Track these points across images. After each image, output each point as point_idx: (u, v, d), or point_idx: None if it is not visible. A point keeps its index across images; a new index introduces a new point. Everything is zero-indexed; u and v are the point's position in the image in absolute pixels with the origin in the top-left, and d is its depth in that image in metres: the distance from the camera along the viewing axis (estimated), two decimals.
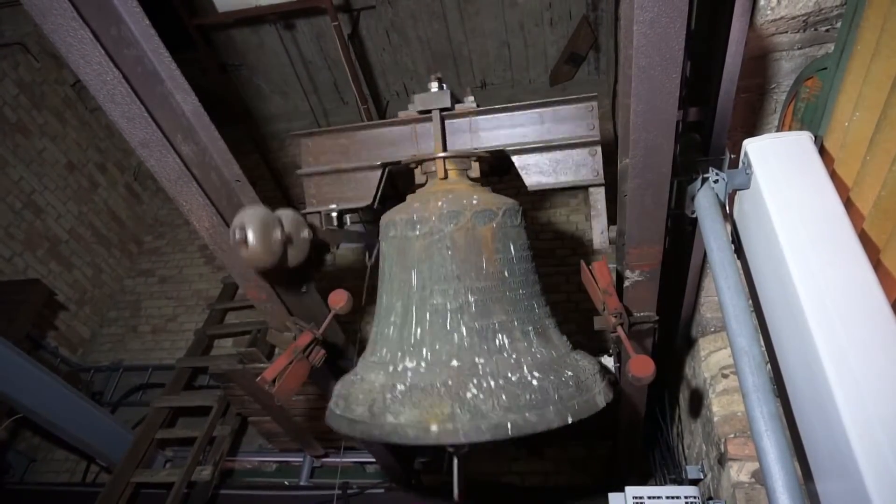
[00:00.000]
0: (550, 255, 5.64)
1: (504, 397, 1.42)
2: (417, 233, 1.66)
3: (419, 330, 1.60)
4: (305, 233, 1.79)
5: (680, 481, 2.75)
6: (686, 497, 2.30)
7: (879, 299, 1.38)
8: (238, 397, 4.26)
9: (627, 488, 2.37)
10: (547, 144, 1.86)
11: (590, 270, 1.79)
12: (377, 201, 2.03)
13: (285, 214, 1.71)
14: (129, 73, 1.37)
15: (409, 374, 1.54)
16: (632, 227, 1.65)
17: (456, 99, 1.95)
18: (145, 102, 1.41)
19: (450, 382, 1.46)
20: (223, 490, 4.55)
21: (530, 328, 1.64)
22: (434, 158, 1.82)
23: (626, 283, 1.85)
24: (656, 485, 3.41)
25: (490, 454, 4.56)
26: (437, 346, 1.56)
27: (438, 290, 1.61)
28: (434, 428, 1.39)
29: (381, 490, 4.26)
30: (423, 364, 1.55)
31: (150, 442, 4.67)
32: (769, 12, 1.91)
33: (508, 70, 7.21)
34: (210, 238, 1.71)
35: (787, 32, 1.99)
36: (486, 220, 1.66)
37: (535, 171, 1.87)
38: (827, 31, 1.97)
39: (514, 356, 1.55)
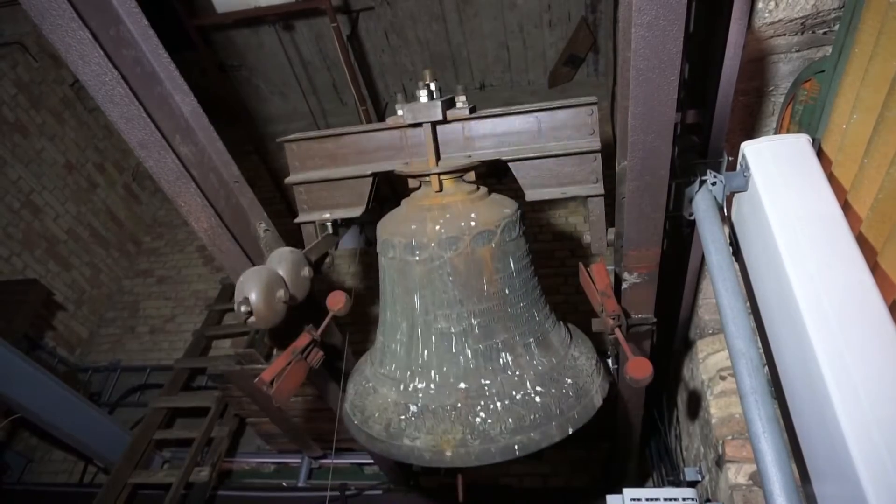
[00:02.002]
0: (549, 257, 5.64)
1: (510, 420, 1.55)
2: (417, 258, 1.66)
3: (426, 352, 1.68)
4: (306, 272, 1.80)
5: (678, 483, 2.75)
6: (684, 499, 2.30)
7: (876, 301, 1.39)
8: (236, 398, 4.25)
9: (625, 490, 2.37)
10: (545, 154, 1.76)
11: (588, 272, 1.79)
12: (370, 205, 1.99)
13: (282, 258, 1.72)
14: (127, 73, 1.37)
15: (420, 395, 1.65)
16: (630, 230, 1.65)
17: (448, 104, 1.81)
18: (144, 103, 1.41)
19: (459, 405, 1.59)
20: (221, 491, 4.54)
21: (531, 340, 1.71)
22: (427, 175, 1.76)
23: (624, 286, 1.85)
24: (654, 486, 3.41)
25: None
26: (445, 369, 1.65)
27: (442, 314, 1.66)
28: (448, 454, 1.54)
29: (380, 491, 4.26)
30: (432, 386, 1.65)
31: (147, 443, 4.66)
32: (767, 15, 1.91)
33: (507, 71, 7.22)
34: (208, 239, 1.70)
35: (784, 35, 1.99)
36: (484, 242, 1.65)
37: (533, 183, 1.78)
38: (825, 33, 1.97)
39: (517, 373, 1.65)
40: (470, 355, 1.65)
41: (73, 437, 4.50)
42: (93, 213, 6.80)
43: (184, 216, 1.64)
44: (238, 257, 1.77)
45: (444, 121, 1.78)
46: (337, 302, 1.86)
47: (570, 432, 1.59)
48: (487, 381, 1.63)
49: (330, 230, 2.05)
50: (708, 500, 2.38)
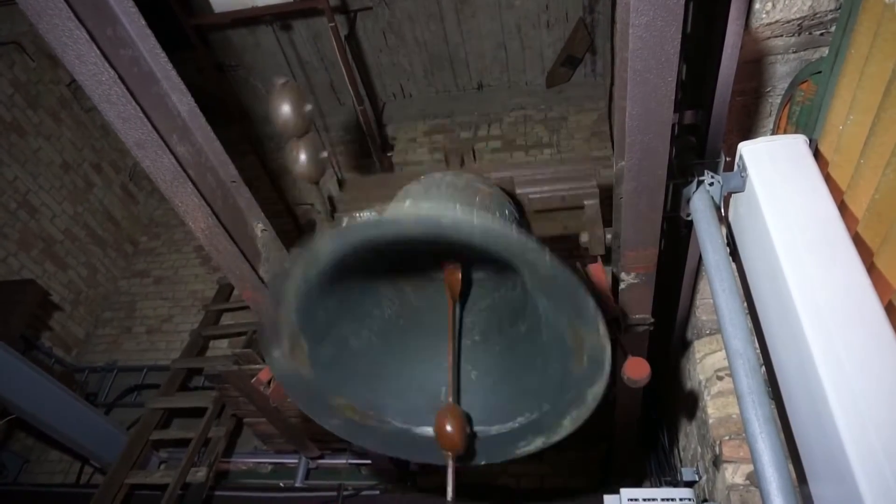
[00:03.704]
0: None
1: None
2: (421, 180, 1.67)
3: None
4: (324, 154, 1.70)
5: (675, 483, 2.75)
6: (681, 499, 2.30)
7: (873, 302, 1.39)
8: (233, 398, 4.25)
9: (623, 490, 2.37)
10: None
11: (585, 273, 1.79)
12: None
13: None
14: (124, 73, 1.36)
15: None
16: (627, 230, 1.65)
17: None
18: (141, 103, 1.40)
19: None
20: (218, 492, 4.53)
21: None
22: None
23: (622, 286, 1.86)
24: (651, 487, 3.42)
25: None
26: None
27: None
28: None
29: (377, 492, 4.26)
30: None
31: (144, 443, 4.65)
32: (764, 16, 1.91)
33: (505, 72, 7.23)
34: (205, 239, 1.70)
35: (782, 36, 2.00)
36: (484, 181, 1.68)
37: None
38: (822, 34, 1.98)
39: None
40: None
41: (69, 438, 4.49)
42: (90, 213, 6.79)
43: (181, 216, 1.64)
44: (235, 257, 1.76)
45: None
46: None
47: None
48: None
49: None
50: (705, 501, 2.39)
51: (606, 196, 1.79)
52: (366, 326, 1.57)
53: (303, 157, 1.62)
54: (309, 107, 1.57)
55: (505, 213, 1.70)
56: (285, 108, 1.52)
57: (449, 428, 1.30)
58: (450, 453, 1.33)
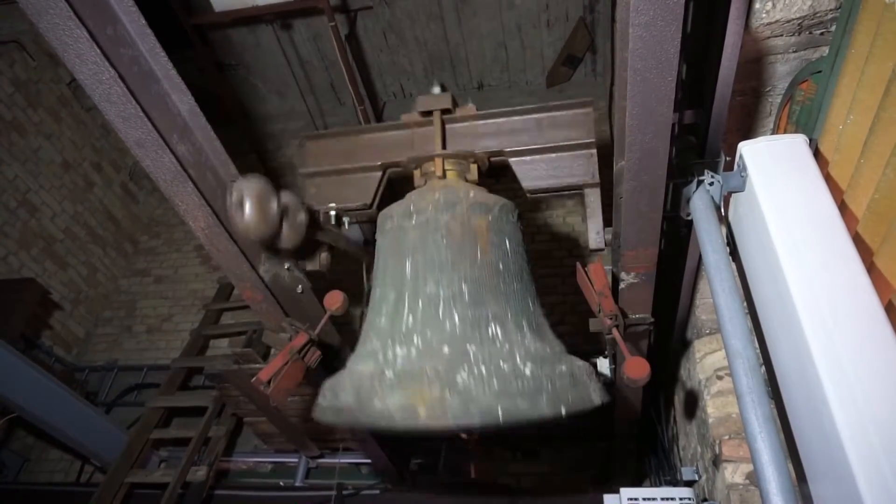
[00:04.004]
0: (547, 257, 5.64)
1: (495, 383, 1.37)
2: (413, 222, 1.67)
3: (411, 318, 1.56)
4: (302, 216, 1.79)
5: (675, 483, 2.76)
6: (681, 498, 2.30)
7: (873, 301, 1.39)
8: (233, 398, 4.25)
9: (622, 490, 2.38)
10: (544, 147, 1.90)
11: (585, 272, 1.79)
12: (376, 204, 2.03)
13: (284, 193, 1.73)
14: (125, 72, 1.37)
15: (399, 360, 1.49)
16: (627, 230, 1.65)
17: (456, 104, 1.99)
18: (141, 102, 1.40)
19: (440, 368, 1.40)
20: (218, 491, 4.53)
21: (524, 321, 1.61)
22: (434, 157, 1.85)
23: (622, 286, 1.86)
24: (651, 486, 3.42)
25: (486, 455, 4.56)
26: (429, 334, 1.51)
27: (432, 278, 1.59)
28: (422, 412, 1.32)
29: (377, 491, 4.26)
30: (413, 351, 1.49)
31: (144, 442, 4.65)
32: (764, 15, 1.91)
33: (505, 71, 7.23)
34: (206, 238, 1.70)
35: (782, 36, 2.00)
36: (482, 212, 1.68)
37: (531, 176, 1.90)
38: (822, 34, 1.98)
39: (506, 346, 1.51)
40: (457, 320, 1.51)
41: (69, 437, 4.48)
42: (90, 212, 6.78)
43: (181, 215, 1.64)
44: (235, 257, 1.77)
45: (453, 112, 1.95)
46: (334, 302, 1.87)
47: (563, 412, 1.38)
48: (474, 348, 1.47)
49: (333, 221, 2.07)
50: (705, 500, 2.39)
51: (607, 196, 1.79)
52: None
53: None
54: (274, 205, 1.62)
55: (511, 220, 1.73)
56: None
57: None
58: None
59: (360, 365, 1.58)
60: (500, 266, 1.65)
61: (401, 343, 1.52)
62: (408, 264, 1.64)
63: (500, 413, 1.32)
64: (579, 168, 1.88)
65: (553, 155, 1.89)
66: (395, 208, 1.79)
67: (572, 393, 1.45)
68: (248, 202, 1.52)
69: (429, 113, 1.97)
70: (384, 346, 1.55)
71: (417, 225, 1.67)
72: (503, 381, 1.38)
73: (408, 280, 1.63)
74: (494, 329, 1.53)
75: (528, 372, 1.43)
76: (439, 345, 1.48)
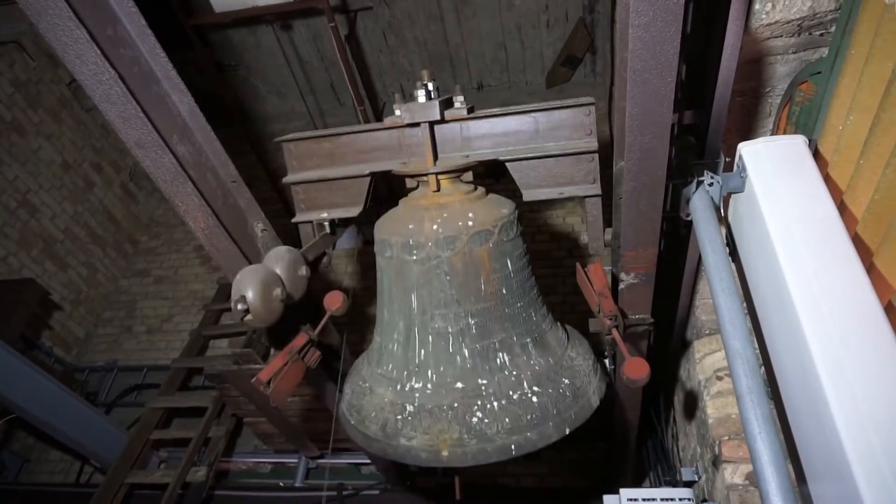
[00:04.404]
0: (547, 258, 5.64)
1: (507, 420, 1.55)
2: (414, 258, 1.66)
3: (423, 352, 1.67)
4: (303, 270, 1.79)
5: (674, 483, 2.76)
6: (680, 499, 2.30)
7: (872, 302, 1.39)
8: (233, 398, 4.25)
9: (622, 490, 2.37)
10: (542, 154, 1.75)
11: (585, 273, 1.79)
12: (368, 204, 1.99)
13: (279, 257, 1.72)
14: (125, 73, 1.37)
15: (417, 394, 1.65)
16: (627, 230, 1.65)
17: (447, 100, 1.82)
18: (141, 103, 1.40)
19: (456, 405, 1.59)
20: (218, 491, 4.53)
21: (528, 340, 1.71)
22: (425, 175, 1.76)
23: (622, 286, 1.86)
24: (651, 487, 3.42)
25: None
26: (442, 369, 1.65)
27: (439, 314, 1.66)
28: (444, 454, 1.53)
29: (377, 491, 4.26)
30: (428, 386, 1.65)
31: (144, 442, 4.66)
32: (764, 16, 1.91)
33: (505, 72, 7.23)
34: (206, 239, 1.70)
35: (781, 36, 2.00)
36: (482, 242, 1.66)
37: (531, 183, 1.77)
38: (821, 35, 1.98)
39: (514, 372, 1.65)
40: (467, 355, 1.64)
41: (69, 437, 4.49)
42: (90, 212, 6.79)
43: (181, 216, 1.64)
44: (235, 257, 1.77)
45: (442, 120, 1.78)
46: (334, 302, 1.86)
47: (567, 433, 1.59)
48: (484, 381, 1.62)
49: (328, 230, 2.05)
50: (704, 501, 2.39)
51: (607, 196, 1.78)
52: None
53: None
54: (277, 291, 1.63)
55: (512, 233, 1.72)
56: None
57: None
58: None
59: (380, 388, 1.73)
60: (504, 291, 1.69)
61: (416, 376, 1.67)
62: (413, 299, 1.68)
63: (513, 449, 1.53)
64: (580, 175, 1.76)
65: (552, 160, 1.74)
66: (393, 236, 1.71)
67: (574, 410, 1.62)
68: (252, 299, 1.54)
69: (416, 124, 1.78)
70: (401, 376, 1.70)
71: (418, 261, 1.66)
72: (514, 417, 1.56)
73: (415, 314, 1.69)
74: (502, 358, 1.66)
75: (535, 400, 1.60)
76: (453, 380, 1.63)
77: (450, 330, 1.66)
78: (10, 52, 6.05)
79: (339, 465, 4.72)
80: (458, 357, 1.65)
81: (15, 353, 4.18)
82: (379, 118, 7.26)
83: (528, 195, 1.81)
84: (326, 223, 2.03)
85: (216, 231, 1.68)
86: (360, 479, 4.64)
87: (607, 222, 1.85)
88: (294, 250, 1.81)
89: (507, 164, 1.80)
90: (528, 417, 1.56)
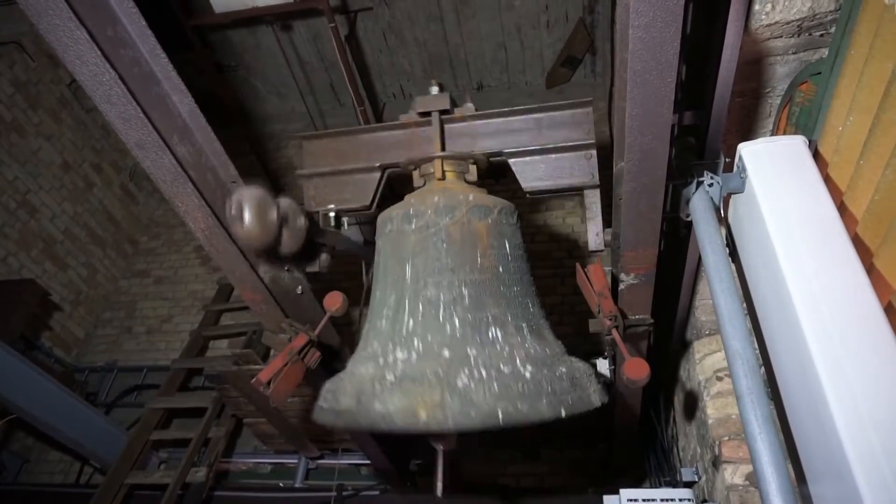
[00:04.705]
0: (546, 258, 5.64)
1: (496, 386, 1.39)
2: (413, 226, 1.67)
3: (411, 321, 1.58)
4: (301, 221, 1.79)
5: (674, 484, 2.76)
6: (680, 499, 2.31)
7: (872, 302, 1.39)
8: (233, 399, 4.25)
9: (622, 490, 2.38)
10: (543, 147, 1.89)
11: (585, 273, 1.79)
12: (375, 204, 2.04)
13: (283, 200, 1.73)
14: (125, 73, 1.37)
15: (400, 364, 1.51)
16: (627, 231, 1.65)
17: (455, 104, 1.99)
18: (141, 103, 1.41)
19: (440, 371, 1.42)
20: (218, 492, 4.53)
21: (524, 324, 1.64)
22: (433, 158, 1.85)
23: (621, 286, 1.86)
24: (651, 487, 3.42)
25: (485, 456, 4.56)
26: (430, 337, 1.53)
27: (432, 282, 1.61)
28: (423, 414, 1.35)
29: (377, 492, 4.26)
30: (414, 355, 1.52)
31: (144, 443, 4.65)
32: (764, 17, 1.92)
33: (505, 72, 7.23)
34: (206, 239, 1.70)
35: (781, 37, 2.00)
36: (481, 216, 1.68)
37: (531, 176, 1.90)
38: (821, 35, 1.98)
39: (507, 349, 1.53)
40: (458, 324, 1.54)
41: (69, 438, 4.48)
42: (90, 213, 6.78)
43: (181, 216, 1.64)
44: (235, 258, 1.77)
45: (451, 112, 1.96)
46: (334, 302, 1.87)
47: (563, 414, 1.41)
48: (474, 351, 1.49)
49: (332, 223, 2.07)
50: (704, 501, 2.39)
51: (607, 197, 1.79)
52: None
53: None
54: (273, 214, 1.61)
55: (511, 222, 1.73)
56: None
57: None
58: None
59: (360, 367, 1.59)
60: (500, 269, 1.66)
61: (401, 346, 1.54)
62: (408, 268, 1.65)
63: (500, 416, 1.34)
64: (579, 169, 1.87)
65: (553, 155, 1.88)
66: (395, 211, 1.77)
67: (572, 395, 1.47)
68: (248, 212, 1.52)
69: (427, 114, 1.97)
70: (385, 349, 1.57)
71: (417, 229, 1.66)
72: (503, 384, 1.40)
73: (408, 284, 1.64)
74: (495, 332, 1.55)
75: (528, 375, 1.45)
76: (440, 348, 1.50)
77: (442, 298, 1.57)
78: (11, 52, 6.05)
79: (340, 466, 4.72)
80: (448, 325, 1.54)
81: (15, 353, 4.17)
82: (379, 118, 7.27)
83: (529, 187, 1.90)
84: (332, 215, 2.06)
85: (216, 232, 1.69)
86: (360, 479, 4.64)
87: (607, 223, 1.86)
88: (295, 203, 1.82)
89: (509, 160, 1.89)
90: (520, 387, 1.41)
